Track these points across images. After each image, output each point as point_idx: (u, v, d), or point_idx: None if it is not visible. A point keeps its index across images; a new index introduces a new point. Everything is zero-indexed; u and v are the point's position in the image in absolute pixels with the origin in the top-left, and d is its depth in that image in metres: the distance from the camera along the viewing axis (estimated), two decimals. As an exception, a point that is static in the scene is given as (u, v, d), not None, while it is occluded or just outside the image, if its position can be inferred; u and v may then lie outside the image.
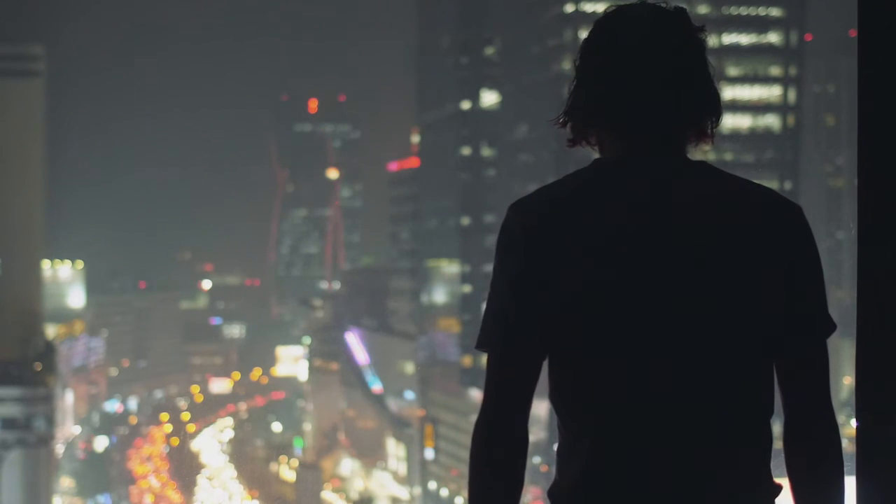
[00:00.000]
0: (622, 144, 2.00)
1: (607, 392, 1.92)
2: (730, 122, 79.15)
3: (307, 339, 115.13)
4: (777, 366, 1.98)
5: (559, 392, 1.98)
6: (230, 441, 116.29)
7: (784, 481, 2.01)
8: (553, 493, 1.99)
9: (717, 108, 2.03)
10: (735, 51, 78.70)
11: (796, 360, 1.98)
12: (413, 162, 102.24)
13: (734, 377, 1.93)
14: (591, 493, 1.93)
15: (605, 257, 1.91)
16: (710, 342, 1.91)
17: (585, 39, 2.04)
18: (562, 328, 1.94)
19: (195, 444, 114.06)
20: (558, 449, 2.00)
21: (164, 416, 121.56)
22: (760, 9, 78.59)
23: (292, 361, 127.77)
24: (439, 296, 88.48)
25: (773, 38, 78.82)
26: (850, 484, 2.09)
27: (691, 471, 1.91)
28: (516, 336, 1.97)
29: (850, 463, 2.17)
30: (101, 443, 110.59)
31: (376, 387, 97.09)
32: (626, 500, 1.92)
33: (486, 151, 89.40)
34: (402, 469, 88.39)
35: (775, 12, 78.59)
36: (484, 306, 2.03)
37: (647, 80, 1.97)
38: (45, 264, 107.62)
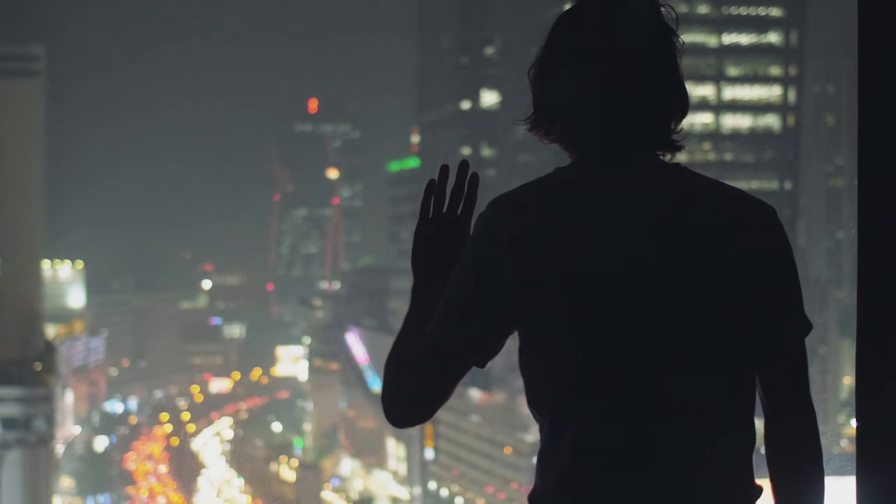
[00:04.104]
0: (596, 146, 1.99)
1: (586, 392, 1.92)
2: (730, 122, 79.19)
3: (307, 339, 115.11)
4: (756, 366, 1.98)
5: (538, 394, 1.98)
6: (230, 441, 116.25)
7: (765, 482, 2.01)
8: (534, 497, 1.99)
9: (687, 102, 2.02)
10: (735, 51, 78.72)
11: (774, 360, 1.98)
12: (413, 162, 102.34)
13: (713, 377, 1.93)
14: (570, 493, 1.93)
15: (587, 258, 1.91)
16: (688, 342, 1.92)
17: (547, 42, 2.00)
18: (537, 330, 1.95)
19: (195, 444, 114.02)
20: (539, 454, 2.00)
21: (164, 416, 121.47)
22: (760, 9, 78.61)
23: (292, 361, 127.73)
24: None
25: (773, 38, 78.83)
26: (850, 484, 2.09)
27: (671, 471, 1.91)
28: (476, 326, 1.98)
29: (850, 463, 2.18)
30: (101, 443, 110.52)
31: (376, 387, 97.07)
32: (605, 499, 1.92)
33: (486, 151, 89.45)
34: (402, 469, 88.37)
35: (775, 12, 78.61)
36: None
37: (622, 79, 1.95)
38: (45, 264, 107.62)
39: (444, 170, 2.18)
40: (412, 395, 2.04)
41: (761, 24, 78.55)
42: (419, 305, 2.11)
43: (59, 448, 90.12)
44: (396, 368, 2.06)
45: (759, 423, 2.00)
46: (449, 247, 2.15)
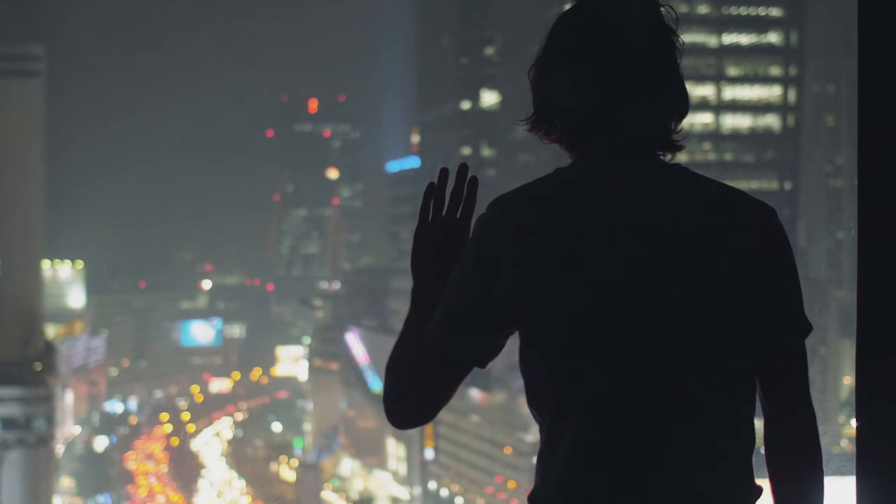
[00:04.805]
0: (596, 146, 1.99)
1: (586, 392, 1.92)
2: (730, 122, 79.18)
3: (307, 339, 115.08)
4: (755, 367, 1.98)
5: (538, 394, 1.98)
6: (230, 441, 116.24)
7: (765, 482, 2.01)
8: (533, 497, 1.99)
9: (687, 102, 2.02)
10: (735, 51, 78.70)
11: (774, 361, 1.98)
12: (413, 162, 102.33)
13: (713, 378, 1.93)
14: (570, 493, 1.93)
15: (587, 259, 1.91)
16: (690, 343, 1.92)
17: (547, 42, 2.00)
18: (538, 331, 1.94)
19: (195, 445, 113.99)
20: (539, 454, 2.00)
21: (164, 416, 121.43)
22: (760, 9, 78.57)
23: (292, 361, 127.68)
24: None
25: (773, 38, 78.80)
26: (850, 484, 2.09)
27: (671, 470, 1.91)
28: (478, 325, 1.98)
29: (850, 463, 2.18)
30: (101, 443, 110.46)
31: (376, 387, 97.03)
32: (605, 499, 1.92)
33: (486, 151, 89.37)
34: (402, 469, 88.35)
35: (775, 12, 78.58)
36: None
37: (624, 79, 1.95)
38: (45, 264, 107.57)
39: (444, 172, 2.18)
40: (414, 397, 2.04)
41: (761, 24, 78.50)
42: (419, 307, 2.11)
43: (59, 448, 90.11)
44: (398, 370, 2.06)
45: (759, 423, 2.00)
46: (449, 249, 2.15)
